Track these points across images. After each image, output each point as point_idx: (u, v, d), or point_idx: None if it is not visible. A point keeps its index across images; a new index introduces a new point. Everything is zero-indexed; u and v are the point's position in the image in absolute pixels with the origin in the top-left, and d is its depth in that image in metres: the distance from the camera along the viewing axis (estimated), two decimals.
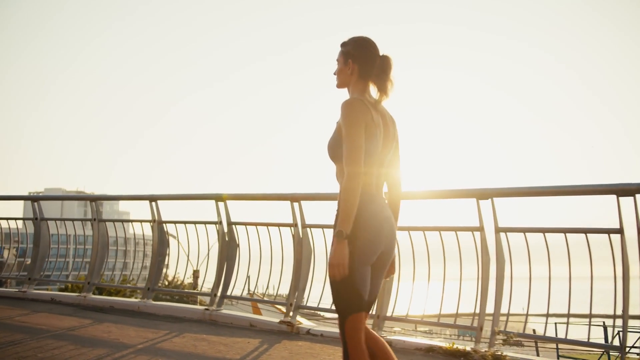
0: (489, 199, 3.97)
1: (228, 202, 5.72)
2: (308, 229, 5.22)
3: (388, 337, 4.44)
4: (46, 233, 6.98)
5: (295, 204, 5.15)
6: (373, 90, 2.36)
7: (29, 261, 7.22)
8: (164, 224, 6.22)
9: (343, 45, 2.42)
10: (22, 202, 8.13)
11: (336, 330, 5.32)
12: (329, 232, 4.79)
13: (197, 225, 5.96)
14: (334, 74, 2.44)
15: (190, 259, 6.10)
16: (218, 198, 5.63)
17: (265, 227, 5.52)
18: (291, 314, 5.10)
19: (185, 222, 6.05)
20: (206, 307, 5.56)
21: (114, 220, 6.72)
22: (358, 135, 2.20)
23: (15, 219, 7.44)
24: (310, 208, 5.18)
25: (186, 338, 4.43)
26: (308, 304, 5.18)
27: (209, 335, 4.53)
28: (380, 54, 2.38)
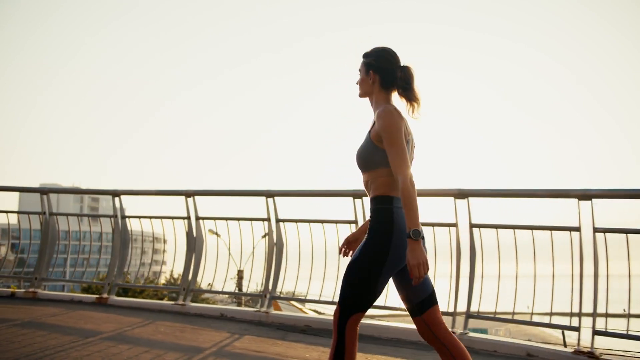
0: (465, 199, 4.41)
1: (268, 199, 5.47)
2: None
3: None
4: (55, 229, 6.42)
5: (358, 201, 4.91)
6: (396, 101, 2.45)
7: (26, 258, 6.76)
8: (200, 220, 5.82)
9: (365, 56, 2.50)
10: (16, 195, 6.99)
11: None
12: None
13: (240, 222, 5.66)
14: (356, 83, 2.52)
15: (231, 258, 5.86)
16: (268, 195, 5.40)
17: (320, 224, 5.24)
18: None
19: (226, 219, 5.74)
20: (256, 309, 5.34)
21: (140, 217, 6.21)
22: (403, 140, 2.28)
23: (19, 212, 6.79)
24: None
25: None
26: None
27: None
28: (401, 64, 2.45)
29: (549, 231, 4.18)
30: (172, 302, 5.77)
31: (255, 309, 5.39)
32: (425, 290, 2.33)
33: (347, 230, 5.02)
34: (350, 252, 2.58)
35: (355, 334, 2.27)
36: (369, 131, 2.39)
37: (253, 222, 5.60)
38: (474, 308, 4.40)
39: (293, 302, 9.79)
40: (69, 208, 78.33)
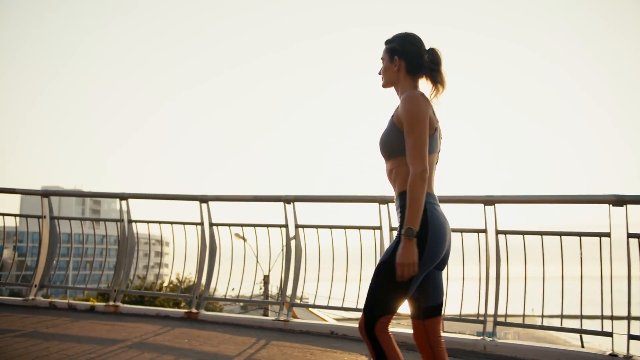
0: (493, 205, 4.41)
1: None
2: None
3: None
4: (56, 234, 6.16)
5: (383, 206, 4.84)
6: (423, 86, 2.33)
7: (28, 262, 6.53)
8: (214, 227, 5.69)
9: (388, 42, 2.37)
10: (18, 198, 6.49)
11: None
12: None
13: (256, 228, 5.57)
14: (379, 73, 2.38)
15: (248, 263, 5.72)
16: (286, 200, 5.30)
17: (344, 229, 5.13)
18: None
19: (242, 225, 5.75)
20: (275, 318, 5.23)
21: (148, 222, 6.02)
22: (424, 130, 2.14)
23: (19, 215, 6.47)
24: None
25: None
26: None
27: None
28: (426, 47, 2.33)
29: (577, 237, 4.20)
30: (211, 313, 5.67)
31: (273, 318, 5.31)
32: (436, 298, 2.25)
33: (371, 237, 4.98)
34: None
35: (388, 335, 2.12)
36: (392, 116, 2.27)
37: (270, 228, 5.54)
38: (501, 315, 4.39)
39: (312, 310, 9.63)
40: (71, 210, 77.68)
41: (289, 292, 5.33)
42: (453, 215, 4.74)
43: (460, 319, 4.55)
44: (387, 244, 4.91)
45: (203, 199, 5.69)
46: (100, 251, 6.81)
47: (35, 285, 5.93)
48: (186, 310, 5.50)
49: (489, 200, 4.38)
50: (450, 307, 4.45)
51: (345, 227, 5.12)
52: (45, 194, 6.22)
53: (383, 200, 4.79)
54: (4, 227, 6.21)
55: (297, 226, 5.36)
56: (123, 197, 5.94)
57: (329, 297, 5.32)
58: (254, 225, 5.60)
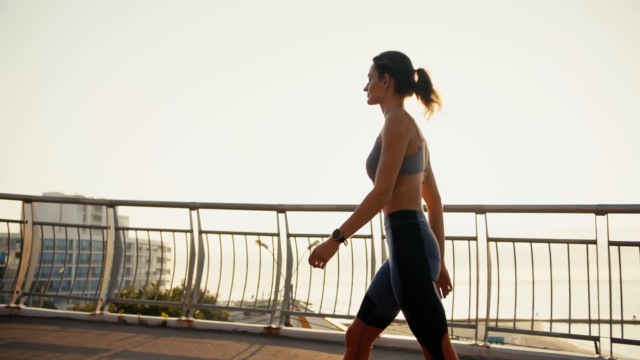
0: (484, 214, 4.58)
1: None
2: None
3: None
4: (39, 240, 6.01)
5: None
6: (409, 105, 2.36)
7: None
8: (203, 234, 5.67)
9: (377, 59, 2.38)
10: (20, 204, 6.16)
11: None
12: None
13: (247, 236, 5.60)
14: (365, 89, 2.39)
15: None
16: (279, 209, 5.35)
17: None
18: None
19: (232, 233, 5.65)
20: (266, 325, 5.21)
21: (137, 229, 6.00)
22: (400, 151, 2.18)
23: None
24: None
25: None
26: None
27: None
28: (415, 67, 2.36)
29: (565, 244, 4.41)
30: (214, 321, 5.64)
31: (265, 325, 5.32)
32: (389, 313, 2.31)
33: (362, 245, 5.08)
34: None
35: (452, 350, 2.16)
36: (377, 137, 2.29)
37: (261, 236, 5.58)
38: (492, 321, 4.56)
39: (327, 319, 9.45)
40: (72, 216, 76.02)
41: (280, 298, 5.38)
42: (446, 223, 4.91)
43: (452, 324, 4.68)
44: (378, 252, 5.03)
45: (192, 207, 5.67)
46: (86, 258, 6.66)
47: (17, 292, 5.77)
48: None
49: (480, 209, 4.56)
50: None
51: None
52: (28, 199, 6.05)
53: None
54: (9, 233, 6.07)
55: (288, 235, 5.41)
56: (111, 204, 5.89)
57: (321, 306, 5.40)
58: (245, 234, 5.63)
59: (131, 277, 5.99)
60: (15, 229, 6.02)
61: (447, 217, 4.70)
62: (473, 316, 4.57)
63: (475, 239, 4.64)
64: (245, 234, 5.64)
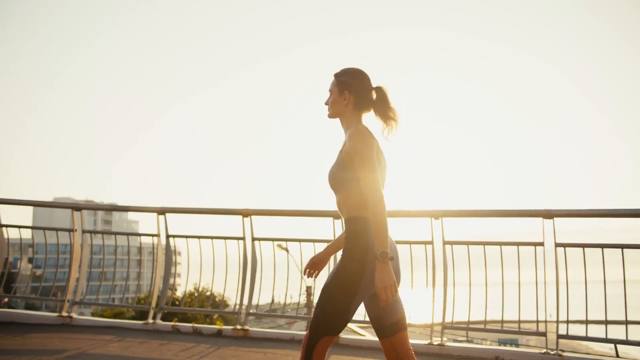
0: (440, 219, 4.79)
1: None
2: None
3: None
4: (88, 249, 5.93)
5: (337, 221, 5.05)
6: (367, 121, 2.44)
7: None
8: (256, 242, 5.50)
9: (337, 75, 2.46)
10: (31, 209, 5.96)
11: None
12: None
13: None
14: (326, 104, 2.47)
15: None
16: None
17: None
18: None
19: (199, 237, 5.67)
20: (233, 327, 5.25)
21: (187, 237, 5.78)
22: (374, 161, 2.27)
23: (47, 228, 6.05)
24: None
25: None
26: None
27: None
28: (374, 85, 2.45)
29: (515, 246, 4.64)
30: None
31: (232, 327, 5.40)
32: (395, 314, 2.31)
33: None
34: (315, 273, 2.60)
35: (324, 357, 2.25)
36: (340, 151, 2.38)
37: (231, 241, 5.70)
38: (449, 321, 4.78)
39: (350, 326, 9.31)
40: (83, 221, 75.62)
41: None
42: (402, 229, 5.11)
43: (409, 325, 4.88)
44: None
45: (245, 214, 5.51)
46: (117, 263, 6.33)
47: (68, 300, 5.71)
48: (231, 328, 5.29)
49: (436, 214, 4.76)
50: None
51: (300, 241, 5.44)
52: (77, 207, 6.02)
53: (337, 216, 5.02)
54: (21, 239, 6.03)
55: (253, 239, 5.53)
56: (162, 211, 5.73)
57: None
58: (212, 237, 5.71)
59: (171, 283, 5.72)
60: (26, 234, 6.04)
61: (404, 222, 5.00)
62: (430, 318, 4.77)
63: (431, 242, 4.85)
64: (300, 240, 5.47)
